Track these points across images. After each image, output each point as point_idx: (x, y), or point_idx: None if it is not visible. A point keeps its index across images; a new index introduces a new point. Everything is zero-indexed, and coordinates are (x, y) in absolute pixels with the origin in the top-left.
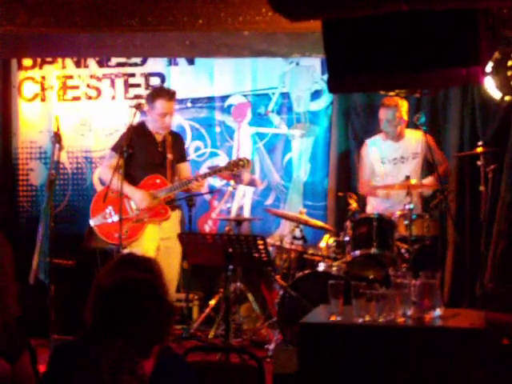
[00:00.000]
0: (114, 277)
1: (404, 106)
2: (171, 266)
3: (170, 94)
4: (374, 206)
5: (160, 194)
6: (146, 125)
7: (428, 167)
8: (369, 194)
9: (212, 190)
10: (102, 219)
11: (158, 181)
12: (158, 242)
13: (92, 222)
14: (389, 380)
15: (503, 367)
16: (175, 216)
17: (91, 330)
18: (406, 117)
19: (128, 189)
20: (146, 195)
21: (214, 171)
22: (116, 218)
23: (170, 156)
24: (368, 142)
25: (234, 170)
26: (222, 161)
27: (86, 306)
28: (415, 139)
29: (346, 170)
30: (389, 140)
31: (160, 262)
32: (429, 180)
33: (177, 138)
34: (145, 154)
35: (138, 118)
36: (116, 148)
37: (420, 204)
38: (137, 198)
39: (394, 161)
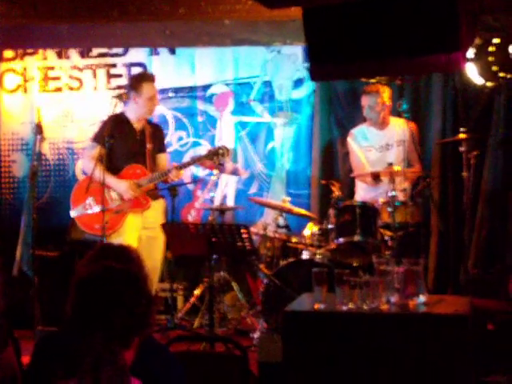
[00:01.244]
0: (93, 267)
1: (386, 92)
2: (154, 256)
3: (152, 77)
4: (361, 196)
5: (142, 183)
6: (125, 114)
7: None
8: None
9: (195, 180)
10: (82, 210)
11: (138, 171)
12: (140, 232)
13: (73, 213)
14: (373, 367)
15: (488, 353)
16: (159, 206)
17: (72, 322)
18: (388, 102)
19: (111, 180)
20: (131, 185)
21: (194, 160)
22: (96, 209)
23: (149, 146)
24: (354, 131)
25: (214, 159)
26: (204, 150)
27: (67, 297)
28: (400, 127)
29: (329, 158)
30: (374, 128)
31: (142, 252)
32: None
33: (156, 129)
34: (124, 143)
35: (119, 108)
36: (97, 139)
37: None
38: (122, 189)
39: (380, 148)
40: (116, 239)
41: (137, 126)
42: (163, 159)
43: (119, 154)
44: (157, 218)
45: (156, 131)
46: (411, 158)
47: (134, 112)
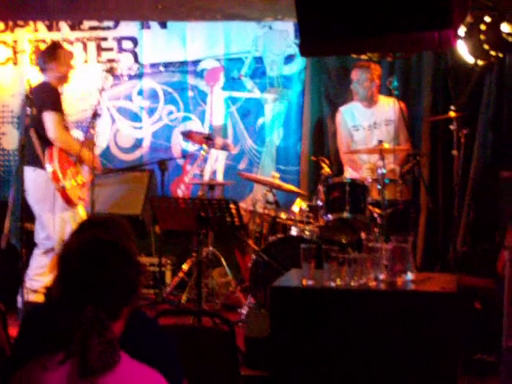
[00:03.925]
0: (79, 239)
1: (377, 69)
2: None
3: (62, 44)
4: (351, 173)
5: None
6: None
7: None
8: (349, 164)
9: (185, 154)
10: (71, 182)
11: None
12: None
13: (67, 184)
14: (360, 343)
15: (475, 331)
16: None
17: (60, 295)
18: (377, 80)
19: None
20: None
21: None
22: (71, 183)
23: None
24: (342, 109)
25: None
26: (194, 125)
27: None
28: (389, 106)
29: (319, 134)
30: (362, 105)
31: None
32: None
33: None
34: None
35: (110, 82)
36: (58, 108)
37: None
38: (98, 162)
39: (369, 127)
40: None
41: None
42: None
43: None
44: None
45: None
46: (400, 138)
47: (58, 81)
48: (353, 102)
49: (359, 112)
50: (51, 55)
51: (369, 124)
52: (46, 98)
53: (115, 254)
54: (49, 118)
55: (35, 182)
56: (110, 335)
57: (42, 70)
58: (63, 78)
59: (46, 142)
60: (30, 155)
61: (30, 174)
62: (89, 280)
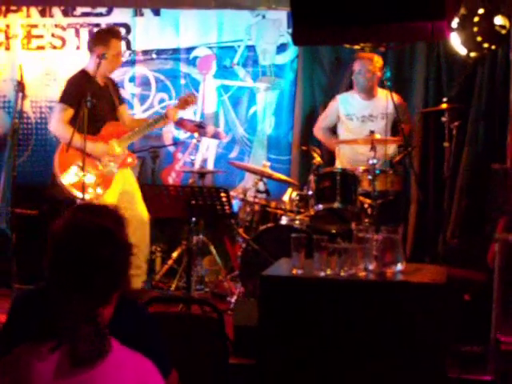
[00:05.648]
0: (67, 223)
1: (379, 62)
2: (137, 212)
3: (120, 34)
4: (342, 163)
5: (126, 139)
6: (88, 71)
7: (394, 128)
8: (322, 139)
9: (176, 142)
10: (74, 176)
11: (119, 128)
12: (121, 189)
13: (64, 180)
14: (348, 334)
15: (464, 323)
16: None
17: (49, 280)
18: (379, 72)
19: (88, 144)
20: (109, 148)
21: (177, 106)
22: (91, 175)
23: (116, 101)
24: (339, 96)
25: (186, 107)
26: (186, 113)
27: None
28: (386, 99)
29: (310, 123)
30: (359, 96)
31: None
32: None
33: (113, 82)
34: (97, 102)
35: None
36: (67, 100)
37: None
38: (99, 153)
39: (363, 118)
40: (99, 199)
41: (100, 82)
42: (125, 110)
43: (94, 114)
44: (132, 174)
45: (114, 84)
46: (404, 117)
47: (99, 68)
48: (350, 91)
49: (356, 102)
50: (103, 40)
51: (363, 115)
52: (63, 89)
53: (104, 237)
54: (55, 109)
55: None
56: (100, 322)
57: (90, 51)
58: (107, 67)
59: None
60: None
61: None
62: (77, 264)
